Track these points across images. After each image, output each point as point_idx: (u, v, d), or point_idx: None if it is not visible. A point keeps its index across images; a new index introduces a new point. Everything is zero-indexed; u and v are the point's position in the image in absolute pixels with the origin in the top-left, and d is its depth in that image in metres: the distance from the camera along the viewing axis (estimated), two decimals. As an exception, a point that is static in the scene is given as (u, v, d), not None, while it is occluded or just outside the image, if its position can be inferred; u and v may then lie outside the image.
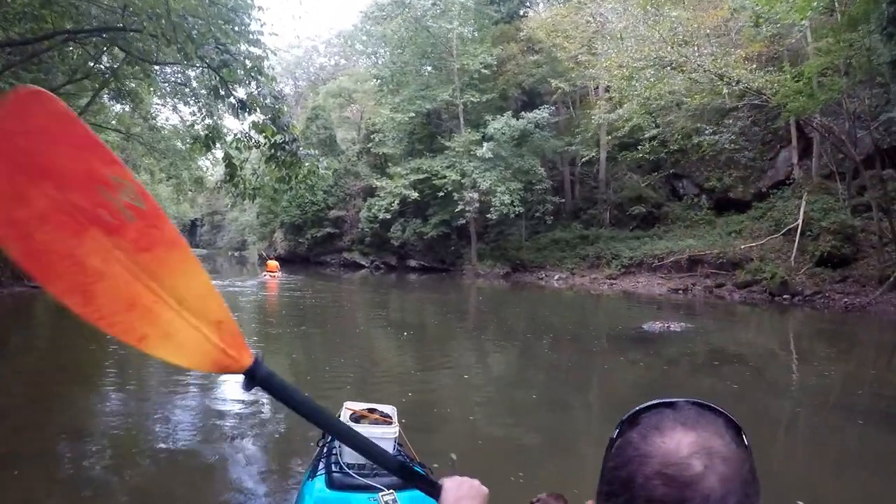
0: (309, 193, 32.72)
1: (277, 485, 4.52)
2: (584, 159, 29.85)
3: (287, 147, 8.81)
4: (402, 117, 32.04)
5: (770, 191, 25.56)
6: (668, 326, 12.09)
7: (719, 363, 10.15)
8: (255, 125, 9.23)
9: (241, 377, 0.99)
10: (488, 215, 28.82)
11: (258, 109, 8.91)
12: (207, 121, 13.06)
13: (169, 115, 34.21)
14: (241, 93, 9.10)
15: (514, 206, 28.22)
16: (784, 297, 19.83)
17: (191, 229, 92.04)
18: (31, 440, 5.21)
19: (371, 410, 3.48)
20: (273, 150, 9.08)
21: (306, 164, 8.97)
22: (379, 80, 37.18)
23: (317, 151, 9.66)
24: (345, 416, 3.38)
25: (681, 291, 23.76)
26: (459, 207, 29.74)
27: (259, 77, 8.50)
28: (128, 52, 9.58)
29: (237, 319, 0.97)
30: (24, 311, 15.11)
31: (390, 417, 3.45)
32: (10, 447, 4.98)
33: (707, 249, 24.61)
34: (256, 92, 8.69)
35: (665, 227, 28.83)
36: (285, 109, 8.68)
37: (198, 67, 10.25)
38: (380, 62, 40.50)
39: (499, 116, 28.82)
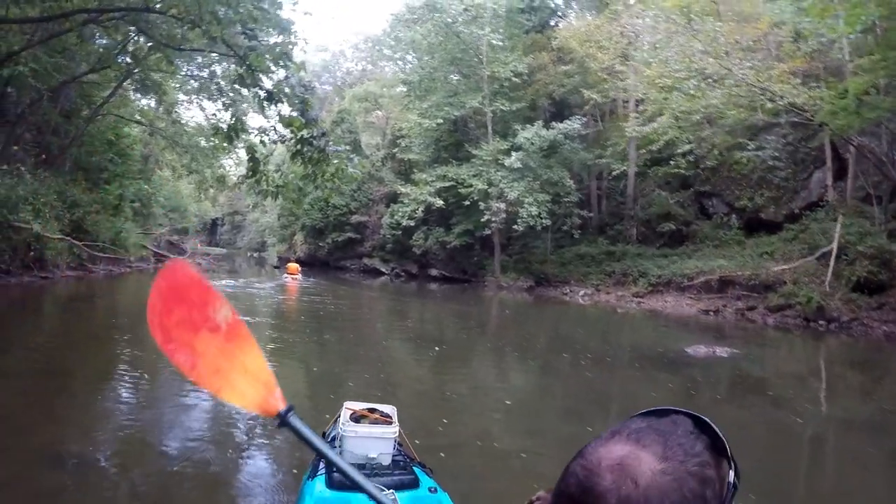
0: (335, 194, 32.14)
1: (277, 485, 4.53)
2: (614, 173, 28.94)
3: (315, 142, 8.16)
4: (430, 123, 31.48)
5: (803, 212, 24.58)
6: (714, 351, 11.28)
7: (778, 394, 9.37)
8: (281, 118, 8.60)
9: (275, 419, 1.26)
10: (515, 226, 28.12)
11: (285, 101, 8.27)
12: (230, 112, 12.45)
13: (194, 112, 33.95)
14: (267, 84, 8.49)
15: (542, 218, 27.50)
16: (819, 322, 18.92)
17: (211, 228, 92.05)
18: (31, 441, 5.07)
19: (371, 410, 3.50)
20: (299, 146, 8.43)
21: (334, 162, 8.30)
22: (407, 86, 36.70)
23: (347, 147, 8.89)
24: (345, 416, 3.39)
25: (711, 313, 22.81)
26: (485, 217, 28.98)
27: (288, 63, 7.85)
28: (151, 36, 8.97)
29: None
30: (33, 302, 14.87)
31: (390, 417, 3.47)
32: (12, 448, 4.86)
33: (738, 270, 23.58)
34: (284, 81, 8.05)
35: (694, 245, 27.87)
36: (314, 102, 8.00)
37: (223, 55, 9.67)
38: (407, 68, 40.02)
39: (528, 126, 28.15)
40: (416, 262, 37.05)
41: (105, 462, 4.81)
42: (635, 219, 30.25)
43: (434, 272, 35.74)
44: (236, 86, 17.04)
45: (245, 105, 16.50)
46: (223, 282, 25.17)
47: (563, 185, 28.45)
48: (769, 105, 20.94)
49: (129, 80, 22.09)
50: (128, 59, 17.67)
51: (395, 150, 37.87)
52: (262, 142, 8.85)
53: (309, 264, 39.86)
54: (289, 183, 9.04)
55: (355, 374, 9.07)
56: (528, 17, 34.47)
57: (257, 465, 5.01)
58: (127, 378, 7.71)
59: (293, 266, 29.48)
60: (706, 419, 0.78)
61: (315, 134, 8.16)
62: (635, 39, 26.89)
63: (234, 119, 9.13)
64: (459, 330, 16.66)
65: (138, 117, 26.48)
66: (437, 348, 12.41)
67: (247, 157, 9.07)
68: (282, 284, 25.84)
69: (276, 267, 34.23)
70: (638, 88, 27.15)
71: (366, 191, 40.90)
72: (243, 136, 10.29)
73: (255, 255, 68.10)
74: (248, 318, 14.26)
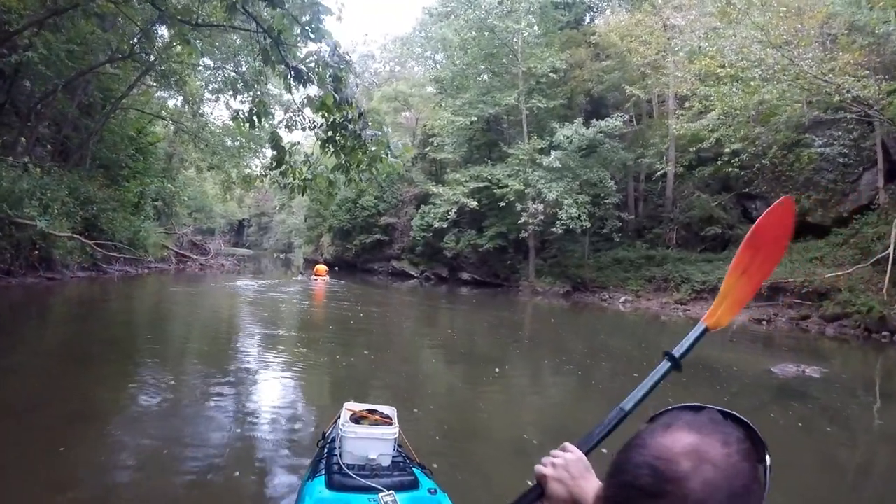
0: (371, 187, 30.75)
1: (277, 485, 4.49)
2: (658, 173, 27.49)
3: (350, 126, 6.92)
4: (463, 121, 30.32)
5: (852, 216, 23.26)
6: (804, 371, 9.84)
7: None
8: (310, 101, 7.36)
9: None
10: (553, 228, 26.73)
11: (315, 80, 7.02)
12: (252, 94, 11.25)
13: (221, 111, 33.22)
14: (297, 58, 7.26)
15: (581, 221, 26.09)
16: (883, 333, 17.54)
17: (238, 229, 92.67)
18: (41, 441, 4.99)
19: (371, 411, 3.49)
20: (331, 132, 7.20)
21: (372, 149, 7.03)
22: (438, 84, 35.80)
23: (388, 130, 7.57)
24: (345, 416, 3.38)
25: (764, 322, 21.40)
26: (522, 219, 27.70)
27: (319, 27, 6.61)
28: (162, 10, 7.79)
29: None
30: (37, 304, 13.99)
31: (391, 418, 3.45)
32: (19, 449, 4.80)
33: (788, 277, 22.19)
34: (315, 54, 6.82)
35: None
36: (351, 79, 6.74)
37: (244, 32, 8.47)
38: (438, 66, 39.13)
39: (567, 124, 26.81)
40: (447, 266, 35.90)
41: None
42: (675, 222, 28.94)
43: (465, 276, 34.51)
44: (261, 78, 15.97)
45: (271, 76, 15.31)
46: (246, 282, 24.53)
47: (604, 185, 27.07)
48: (834, 99, 19.38)
49: (151, 74, 21.08)
50: (146, 50, 16.60)
51: (427, 149, 36.70)
52: (288, 126, 7.65)
53: (336, 266, 39.15)
54: (318, 175, 7.76)
55: (383, 380, 8.75)
56: (563, 13, 33.23)
57: (257, 465, 4.90)
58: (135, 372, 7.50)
59: (321, 268, 29.41)
60: (732, 412, 0.89)
61: (350, 117, 6.89)
62: (679, 34, 25.55)
63: (256, 101, 7.87)
64: (493, 337, 15.65)
65: (163, 114, 25.35)
66: (470, 356, 11.72)
67: (270, 147, 7.81)
68: (308, 288, 25.00)
69: (301, 272, 33.20)
70: (683, 83, 25.78)
71: (395, 192, 39.98)
72: (266, 123, 9.20)
73: (282, 256, 67.53)
74: (276, 328, 13.20)
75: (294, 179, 7.78)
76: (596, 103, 31.91)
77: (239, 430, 5.70)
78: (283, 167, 7.75)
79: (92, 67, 17.01)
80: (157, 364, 8.25)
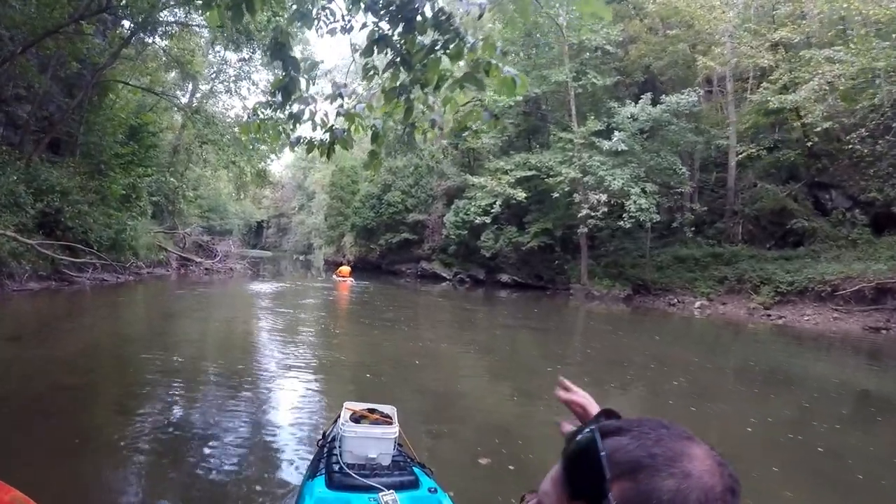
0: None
1: (277, 485, 4.44)
2: (738, 156, 23.75)
3: (444, 24, 3.41)
4: (506, 101, 26.67)
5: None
6: None
7: None
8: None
9: None
10: (620, 222, 23.05)
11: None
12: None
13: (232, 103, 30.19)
14: None
15: (650, 213, 22.39)
16: None
17: (257, 230, 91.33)
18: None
19: (371, 410, 3.47)
20: (390, 22, 3.66)
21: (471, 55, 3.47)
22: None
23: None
24: (344, 416, 3.37)
25: (882, 330, 18.18)
26: (583, 212, 23.96)
27: None
28: None
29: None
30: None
31: (391, 418, 3.43)
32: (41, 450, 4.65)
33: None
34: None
35: (815, 246, 23.29)
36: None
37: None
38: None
39: (628, 102, 23.08)
40: (484, 267, 32.35)
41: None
42: (740, 215, 25.56)
43: (504, 278, 30.89)
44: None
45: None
46: (257, 288, 21.78)
47: (676, 172, 23.28)
48: None
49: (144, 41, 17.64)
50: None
51: (466, 133, 33.05)
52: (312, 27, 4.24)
53: (359, 268, 35.72)
54: (355, 117, 4.20)
55: (415, 396, 7.52)
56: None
57: (257, 466, 4.80)
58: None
59: (345, 269, 27.89)
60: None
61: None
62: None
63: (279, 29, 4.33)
64: (542, 347, 13.25)
65: (156, 89, 21.63)
66: (514, 370, 10.10)
67: (270, 56, 4.26)
68: (330, 293, 22.29)
69: (327, 270, 30.64)
70: (763, 55, 22.23)
71: (423, 186, 36.44)
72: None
73: (301, 258, 65.10)
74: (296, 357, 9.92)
75: (318, 127, 4.33)
76: (650, 81, 28.40)
77: (241, 432, 5.56)
78: (295, 106, 4.31)
79: (61, 26, 13.50)
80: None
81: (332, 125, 4.64)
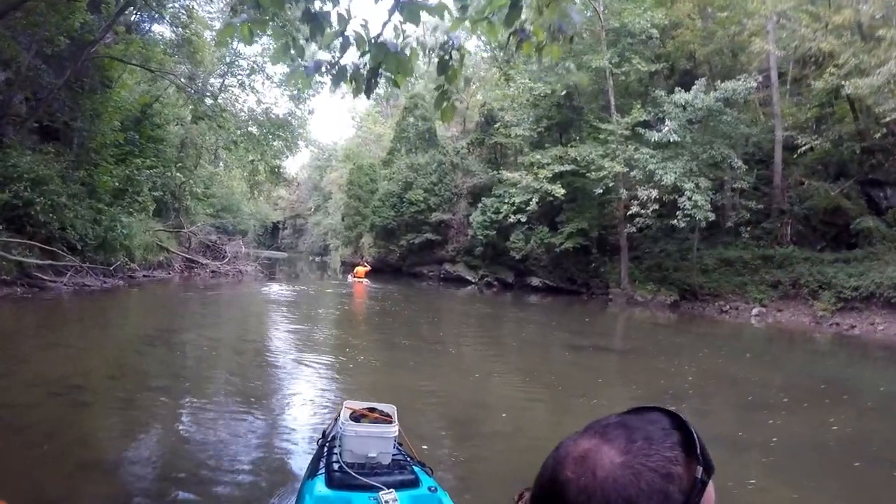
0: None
1: (277, 484, 4.35)
2: (803, 147, 21.56)
3: None
4: (543, 88, 24.58)
5: None
6: None
7: None
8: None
9: None
10: (673, 221, 20.96)
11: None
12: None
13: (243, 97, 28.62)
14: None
15: (706, 211, 20.27)
16: None
17: (272, 232, 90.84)
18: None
19: (371, 409, 3.39)
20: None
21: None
22: (503, 51, 30.58)
23: None
24: (344, 415, 3.30)
25: None
26: (633, 209, 21.99)
27: None
28: None
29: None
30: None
31: (391, 416, 3.35)
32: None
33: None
34: None
35: (872, 248, 21.42)
36: None
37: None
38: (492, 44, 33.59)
39: (678, 90, 20.94)
40: (512, 270, 30.37)
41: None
42: (789, 214, 23.58)
43: (535, 281, 28.96)
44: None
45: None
46: (268, 291, 20.41)
47: (731, 167, 21.15)
48: None
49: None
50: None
51: (497, 125, 30.86)
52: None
53: (378, 270, 33.76)
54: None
55: (441, 411, 6.86)
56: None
57: (257, 465, 4.71)
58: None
59: (360, 270, 27.03)
60: (682, 417, 0.78)
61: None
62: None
63: None
64: (582, 357, 11.91)
65: (151, 66, 19.52)
66: (553, 382, 9.11)
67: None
68: (346, 294, 21.49)
69: (344, 272, 29.48)
70: (826, 38, 20.21)
71: (447, 184, 34.47)
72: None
73: (317, 259, 63.76)
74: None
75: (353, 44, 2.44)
76: (685, 73, 26.43)
77: (241, 431, 5.48)
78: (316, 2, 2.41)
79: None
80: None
81: (379, 36, 2.72)
